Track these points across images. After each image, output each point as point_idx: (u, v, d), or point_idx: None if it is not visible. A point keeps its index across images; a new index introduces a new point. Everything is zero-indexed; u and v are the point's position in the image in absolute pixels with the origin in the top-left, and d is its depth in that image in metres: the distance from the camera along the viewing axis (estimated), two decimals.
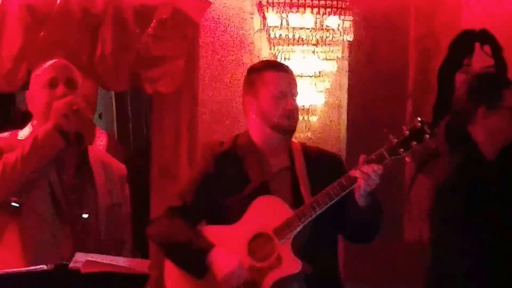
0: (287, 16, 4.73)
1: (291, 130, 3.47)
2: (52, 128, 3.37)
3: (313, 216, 3.30)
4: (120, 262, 3.09)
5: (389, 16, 5.28)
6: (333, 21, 4.81)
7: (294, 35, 4.76)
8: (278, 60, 4.63)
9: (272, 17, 4.78)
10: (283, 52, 4.82)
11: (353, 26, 4.89)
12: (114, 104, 6.48)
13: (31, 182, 3.38)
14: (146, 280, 3.08)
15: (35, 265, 2.93)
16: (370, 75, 5.25)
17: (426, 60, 5.37)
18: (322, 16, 4.77)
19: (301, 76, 4.73)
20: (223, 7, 4.87)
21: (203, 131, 4.78)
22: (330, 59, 4.92)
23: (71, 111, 3.38)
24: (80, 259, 2.97)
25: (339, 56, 4.97)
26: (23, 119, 3.73)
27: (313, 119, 5.00)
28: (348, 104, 5.15)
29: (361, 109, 5.22)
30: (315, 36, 4.79)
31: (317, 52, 4.84)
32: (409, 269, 4.40)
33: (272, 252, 3.33)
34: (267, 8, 4.76)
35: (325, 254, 3.42)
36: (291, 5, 4.72)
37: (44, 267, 2.88)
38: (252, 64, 3.85)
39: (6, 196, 3.39)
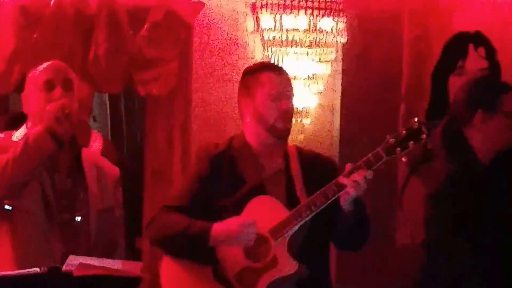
0: (281, 18, 4.74)
1: (285, 134, 3.46)
2: (43, 131, 3.34)
3: (310, 216, 3.29)
4: (113, 265, 3.09)
5: (383, 18, 5.27)
6: (327, 23, 4.82)
7: (287, 37, 4.77)
8: (272, 62, 4.63)
9: (266, 19, 4.79)
10: (276, 54, 4.82)
11: (347, 29, 4.90)
12: (108, 106, 6.47)
13: (23, 184, 3.37)
14: (139, 283, 3.06)
15: (27, 268, 2.91)
16: (363, 77, 5.24)
17: (419, 63, 5.36)
18: (316, 18, 4.78)
19: (295, 78, 4.73)
20: (217, 9, 4.86)
21: (196, 133, 4.77)
22: (324, 61, 4.93)
23: (64, 115, 3.36)
24: (73, 262, 2.97)
25: (333, 58, 4.98)
26: (19, 120, 3.71)
27: (307, 121, 5.00)
28: (342, 106, 5.15)
29: (355, 112, 5.21)
30: (308, 38, 4.80)
31: (310, 54, 4.84)
32: (401, 273, 4.38)
33: (267, 253, 3.32)
34: (261, 9, 4.77)
35: (319, 258, 3.41)
36: (285, 7, 4.73)
37: (38, 270, 2.87)
38: (245, 66, 3.85)
39: None
